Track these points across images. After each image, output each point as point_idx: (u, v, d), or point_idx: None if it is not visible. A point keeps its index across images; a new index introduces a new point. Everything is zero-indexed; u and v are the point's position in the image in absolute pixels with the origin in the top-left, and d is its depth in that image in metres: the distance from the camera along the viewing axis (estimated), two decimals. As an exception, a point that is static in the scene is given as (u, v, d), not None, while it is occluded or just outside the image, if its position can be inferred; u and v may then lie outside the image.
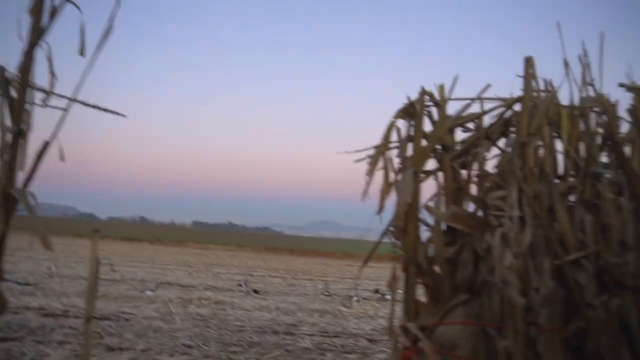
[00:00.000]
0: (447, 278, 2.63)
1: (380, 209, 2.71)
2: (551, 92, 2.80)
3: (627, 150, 2.71)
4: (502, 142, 2.94)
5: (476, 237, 2.57)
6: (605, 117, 2.77)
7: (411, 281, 2.70)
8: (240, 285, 11.54)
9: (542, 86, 2.85)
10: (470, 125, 2.92)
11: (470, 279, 2.58)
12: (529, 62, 2.75)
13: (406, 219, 2.67)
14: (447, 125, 2.86)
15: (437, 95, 2.91)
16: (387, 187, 2.75)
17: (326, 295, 10.93)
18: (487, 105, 2.91)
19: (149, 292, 9.27)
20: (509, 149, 2.79)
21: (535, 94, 2.82)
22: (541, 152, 2.69)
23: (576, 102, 2.84)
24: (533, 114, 2.68)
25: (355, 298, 10.28)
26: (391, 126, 2.85)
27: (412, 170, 2.73)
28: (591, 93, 2.83)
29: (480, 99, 2.92)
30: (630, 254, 2.40)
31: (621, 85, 2.69)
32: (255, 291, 10.86)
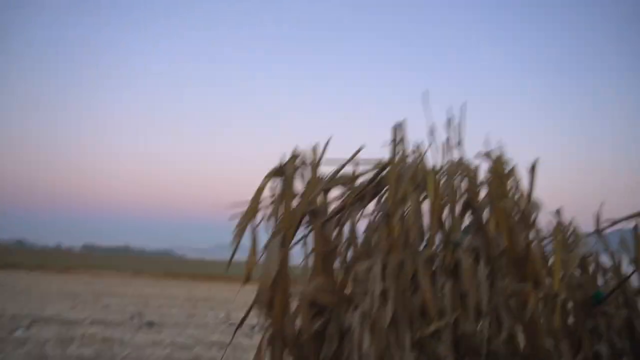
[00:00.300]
0: (313, 353, 2.61)
1: (247, 278, 2.62)
2: (419, 156, 2.90)
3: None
4: (374, 206, 2.94)
5: (342, 310, 2.56)
6: (466, 182, 2.90)
7: (277, 356, 2.64)
8: (133, 318, 10.74)
9: (413, 149, 2.92)
10: (345, 187, 2.94)
11: (335, 355, 2.58)
12: (398, 127, 2.83)
13: (272, 289, 2.60)
14: (318, 187, 2.85)
15: (310, 156, 2.90)
16: (253, 254, 2.67)
17: (228, 325, 10.50)
18: (362, 168, 2.93)
19: (20, 332, 8.28)
20: (378, 215, 2.82)
21: (407, 157, 2.89)
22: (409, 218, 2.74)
23: (444, 166, 2.93)
24: (400, 180, 2.75)
25: (257, 328, 10.01)
26: (261, 189, 2.78)
27: (280, 236, 2.68)
28: (459, 157, 2.97)
29: (353, 161, 2.95)
30: (484, 320, 2.51)
31: (479, 154, 2.90)
32: (150, 324, 10.16)
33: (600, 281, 3.34)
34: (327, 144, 2.91)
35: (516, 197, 2.91)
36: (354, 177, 2.94)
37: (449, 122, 2.94)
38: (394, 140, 2.86)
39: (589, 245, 3.38)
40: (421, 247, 2.72)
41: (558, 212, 3.39)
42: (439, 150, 2.95)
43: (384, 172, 2.92)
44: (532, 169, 2.97)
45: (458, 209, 2.89)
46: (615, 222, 3.50)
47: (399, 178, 2.77)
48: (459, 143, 3.03)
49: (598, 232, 3.40)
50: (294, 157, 2.87)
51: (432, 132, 2.90)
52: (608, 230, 3.61)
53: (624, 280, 3.05)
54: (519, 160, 3.04)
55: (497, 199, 2.74)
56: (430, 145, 2.91)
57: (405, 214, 2.74)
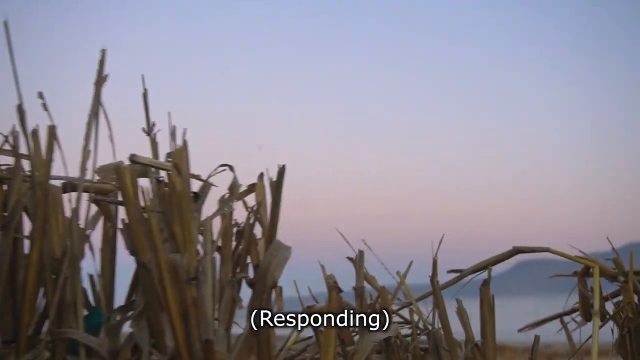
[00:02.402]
0: None
1: None
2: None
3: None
4: None
5: None
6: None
7: None
8: None
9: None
10: None
11: None
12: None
13: None
14: None
15: None
16: None
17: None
18: None
19: None
20: None
21: None
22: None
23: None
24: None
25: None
26: None
27: None
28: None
29: None
30: None
31: (132, 159, 1.53)
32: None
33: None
34: None
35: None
36: None
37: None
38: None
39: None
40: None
41: (358, 258, 2.15)
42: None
43: None
44: (277, 184, 1.69)
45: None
46: (460, 276, 2.31)
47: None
48: (152, 129, 1.73)
49: (434, 292, 2.19)
50: None
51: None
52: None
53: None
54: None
55: (159, 241, 1.41)
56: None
57: None
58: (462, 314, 2.03)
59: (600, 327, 2.11)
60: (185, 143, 1.53)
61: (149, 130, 1.80)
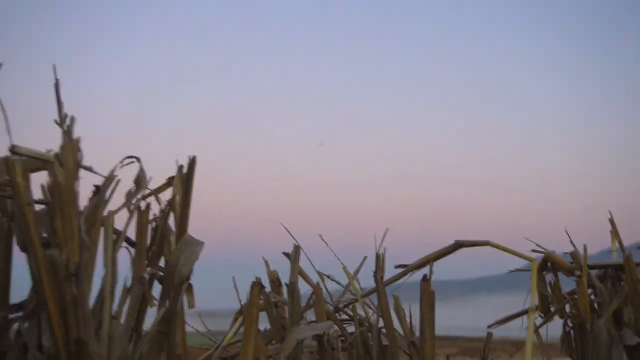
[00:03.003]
0: None
1: None
2: None
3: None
4: None
5: None
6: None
7: None
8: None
9: None
10: None
11: None
12: None
13: None
14: None
15: None
16: None
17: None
18: None
19: None
20: None
21: None
22: None
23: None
24: None
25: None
26: None
27: None
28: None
29: None
30: None
31: (12, 151, 1.46)
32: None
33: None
34: None
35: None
36: None
37: None
38: None
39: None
40: None
41: (294, 254, 2.07)
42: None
43: None
44: (187, 177, 1.62)
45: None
46: (405, 272, 2.21)
47: None
48: (64, 121, 1.67)
49: (377, 288, 2.11)
50: None
51: None
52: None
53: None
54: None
55: (36, 239, 1.34)
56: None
57: None
58: (399, 311, 1.95)
59: (542, 325, 2.01)
60: (69, 133, 1.47)
61: (61, 122, 1.74)
